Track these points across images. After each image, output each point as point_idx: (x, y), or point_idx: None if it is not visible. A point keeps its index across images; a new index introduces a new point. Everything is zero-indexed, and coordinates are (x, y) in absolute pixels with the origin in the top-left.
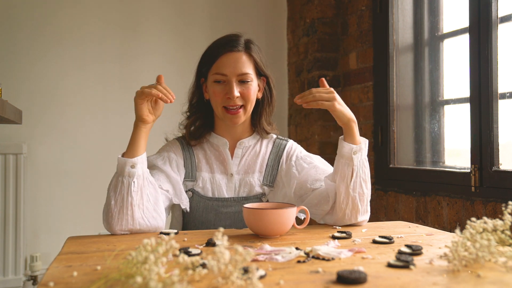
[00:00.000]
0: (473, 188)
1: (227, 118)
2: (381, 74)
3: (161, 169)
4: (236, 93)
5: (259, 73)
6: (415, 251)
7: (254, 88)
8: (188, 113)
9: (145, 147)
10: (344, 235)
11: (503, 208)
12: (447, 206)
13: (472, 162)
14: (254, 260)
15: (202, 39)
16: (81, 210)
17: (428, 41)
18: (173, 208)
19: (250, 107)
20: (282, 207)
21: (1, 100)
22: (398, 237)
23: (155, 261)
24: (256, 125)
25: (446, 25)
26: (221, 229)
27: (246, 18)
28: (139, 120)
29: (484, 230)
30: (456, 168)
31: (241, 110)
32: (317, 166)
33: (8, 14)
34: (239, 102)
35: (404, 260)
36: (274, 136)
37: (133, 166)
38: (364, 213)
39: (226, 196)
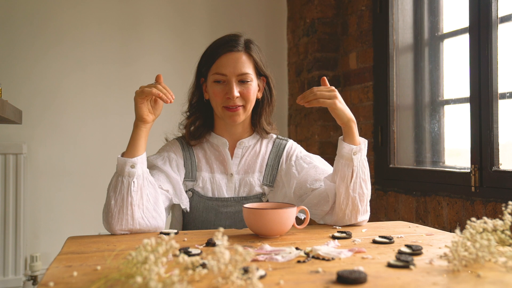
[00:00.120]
0: (473, 188)
1: (227, 116)
2: (381, 74)
3: (161, 169)
4: (236, 93)
5: (259, 73)
6: (415, 251)
7: (254, 88)
8: (188, 113)
9: (145, 147)
10: (344, 235)
11: (503, 208)
12: (447, 206)
13: (472, 162)
14: (254, 260)
15: (202, 39)
16: (81, 210)
17: (428, 41)
18: (173, 208)
19: (250, 106)
20: (282, 207)
21: (1, 100)
22: (398, 237)
23: (155, 261)
24: (256, 125)
25: (446, 25)
26: (221, 229)
27: (246, 18)
28: (139, 120)
29: (484, 230)
30: (456, 168)
31: (240, 108)
32: (317, 166)
33: (8, 14)
34: (239, 102)
35: (404, 260)
36: (274, 136)
37: (133, 166)
38: (364, 213)
39: (226, 196)
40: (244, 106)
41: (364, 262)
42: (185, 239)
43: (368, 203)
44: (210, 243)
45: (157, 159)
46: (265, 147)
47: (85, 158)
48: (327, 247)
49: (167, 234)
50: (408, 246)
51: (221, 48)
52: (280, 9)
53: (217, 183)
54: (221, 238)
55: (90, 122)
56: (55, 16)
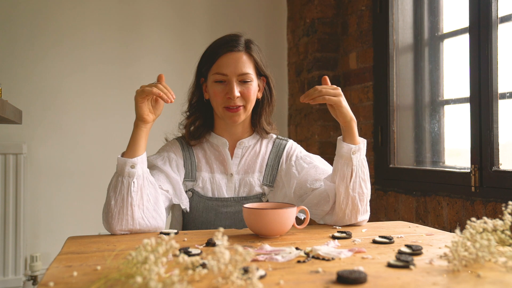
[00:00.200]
0: (473, 188)
1: (227, 116)
2: (381, 74)
3: (161, 169)
4: (237, 93)
5: (259, 73)
6: (415, 251)
7: (254, 88)
8: (187, 113)
9: (145, 147)
10: (344, 235)
11: (503, 208)
12: (447, 206)
13: (472, 162)
14: (254, 260)
15: (202, 40)
16: (81, 210)
17: (428, 41)
18: (173, 208)
19: (250, 107)
20: (282, 207)
21: (1, 100)
22: (398, 237)
23: (155, 261)
24: (256, 125)
25: (446, 25)
26: (221, 229)
27: (246, 18)
28: (139, 119)
29: (484, 230)
30: (456, 168)
31: (241, 108)
32: (317, 166)
33: (8, 14)
34: (240, 102)
35: (404, 260)
36: (274, 136)
37: (133, 166)
38: (364, 213)
39: (226, 196)
40: (244, 106)
41: (364, 262)
42: (185, 239)
43: (368, 203)
44: (210, 243)
45: (157, 159)
46: (265, 147)
47: (85, 158)
48: (327, 247)
49: (167, 234)
50: (408, 246)
51: (222, 48)
52: (280, 9)
53: (217, 183)
54: (221, 238)
55: (90, 122)
56: (56, 16)
